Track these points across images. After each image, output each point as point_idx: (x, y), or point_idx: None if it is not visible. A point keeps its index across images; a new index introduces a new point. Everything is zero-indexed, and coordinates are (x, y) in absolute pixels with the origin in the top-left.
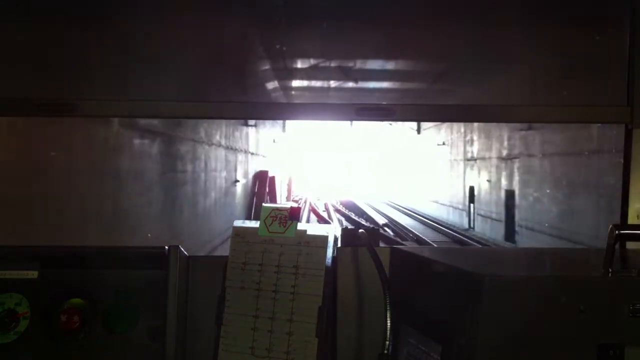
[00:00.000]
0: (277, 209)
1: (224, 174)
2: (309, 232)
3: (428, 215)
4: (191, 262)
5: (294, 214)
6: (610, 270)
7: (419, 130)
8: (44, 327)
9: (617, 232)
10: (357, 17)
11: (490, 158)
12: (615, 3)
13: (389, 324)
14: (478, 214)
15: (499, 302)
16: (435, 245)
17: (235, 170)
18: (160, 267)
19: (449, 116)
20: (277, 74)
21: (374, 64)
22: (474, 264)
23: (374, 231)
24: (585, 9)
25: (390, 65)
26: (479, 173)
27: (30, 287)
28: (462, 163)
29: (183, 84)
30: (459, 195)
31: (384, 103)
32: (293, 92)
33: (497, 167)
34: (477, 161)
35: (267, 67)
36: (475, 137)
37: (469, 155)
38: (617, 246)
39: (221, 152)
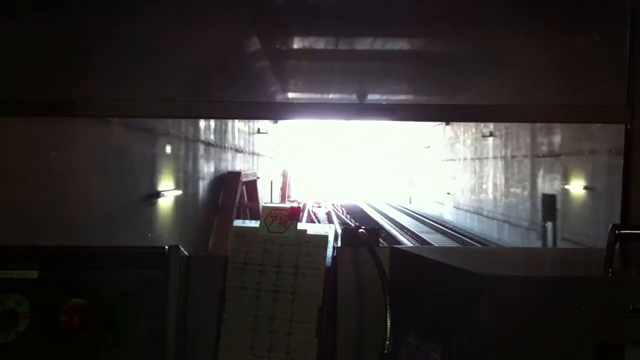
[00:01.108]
0: (277, 208)
1: (99, 181)
2: (309, 232)
3: (466, 232)
4: (191, 262)
5: (294, 214)
6: (610, 270)
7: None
8: (44, 327)
9: (617, 232)
10: (358, 16)
11: (594, 152)
12: (615, 3)
13: (389, 324)
14: (567, 239)
15: (499, 302)
16: (436, 245)
17: (154, 172)
18: (160, 267)
19: (450, 116)
20: (277, 73)
21: (375, 63)
22: (474, 264)
23: (374, 231)
24: (585, 9)
25: (391, 64)
26: (565, 176)
27: (30, 287)
28: (528, 161)
29: (183, 84)
30: (523, 207)
31: (384, 102)
32: (294, 92)
33: (613, 166)
34: (562, 157)
35: (267, 66)
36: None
37: (544, 149)
38: (617, 246)
39: (89, 132)
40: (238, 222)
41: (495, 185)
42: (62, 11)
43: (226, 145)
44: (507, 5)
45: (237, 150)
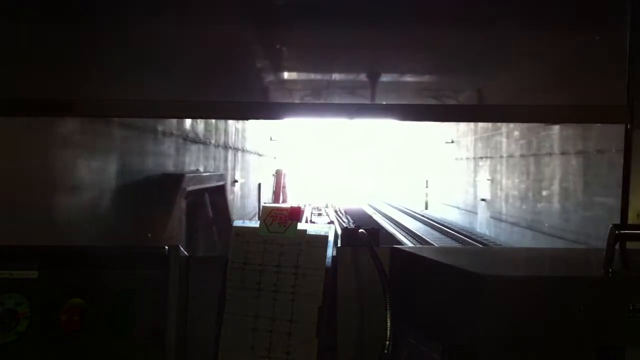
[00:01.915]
0: (277, 209)
1: None
2: (309, 232)
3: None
4: (191, 262)
5: (294, 214)
6: (610, 270)
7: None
8: (44, 327)
9: (617, 232)
10: (358, 16)
11: None
12: (615, 3)
13: (389, 324)
14: None
15: (499, 302)
16: (436, 245)
17: None
18: (160, 267)
19: (450, 116)
20: (277, 73)
21: (375, 63)
22: (474, 264)
23: (374, 231)
24: (585, 9)
25: (391, 64)
26: None
27: (30, 287)
28: None
29: (183, 84)
30: None
31: (384, 102)
32: (294, 91)
33: None
34: None
35: (267, 66)
36: None
37: None
38: (617, 246)
39: None
40: (238, 222)
41: (565, 191)
42: (62, 11)
43: (160, 129)
44: (506, 5)
45: (190, 140)
